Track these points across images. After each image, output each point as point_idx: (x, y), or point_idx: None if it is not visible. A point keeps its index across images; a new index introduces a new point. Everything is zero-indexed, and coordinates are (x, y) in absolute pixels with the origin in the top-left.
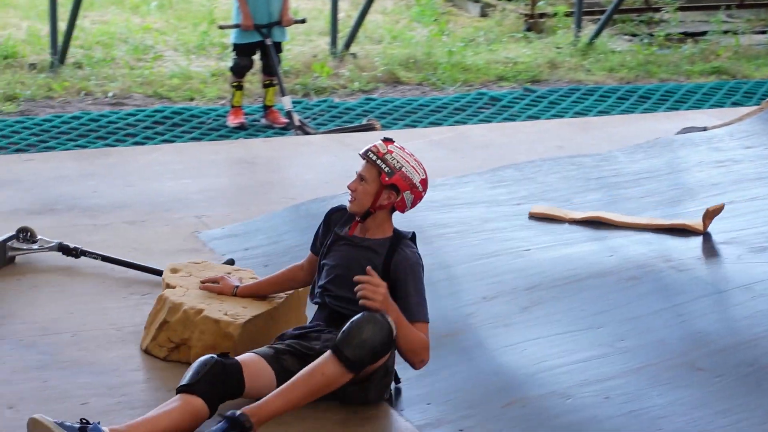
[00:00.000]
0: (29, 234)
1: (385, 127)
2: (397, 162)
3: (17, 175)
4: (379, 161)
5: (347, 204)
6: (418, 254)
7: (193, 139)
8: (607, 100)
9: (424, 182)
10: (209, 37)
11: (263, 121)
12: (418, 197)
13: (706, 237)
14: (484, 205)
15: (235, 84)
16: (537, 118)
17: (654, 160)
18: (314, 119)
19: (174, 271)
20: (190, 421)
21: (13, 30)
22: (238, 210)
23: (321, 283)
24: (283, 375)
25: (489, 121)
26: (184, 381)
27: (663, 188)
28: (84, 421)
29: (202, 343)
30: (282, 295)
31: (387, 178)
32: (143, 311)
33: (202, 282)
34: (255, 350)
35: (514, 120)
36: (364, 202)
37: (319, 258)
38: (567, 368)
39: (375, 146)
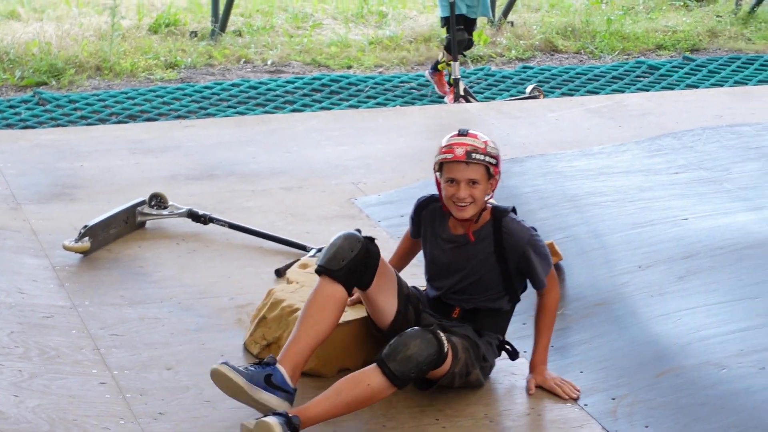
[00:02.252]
0: (160, 200)
1: None
2: (493, 148)
3: (177, 141)
4: (487, 158)
5: (439, 201)
6: (523, 222)
7: (351, 106)
8: None
9: None
10: (368, 5)
11: (427, 74)
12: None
13: None
14: (642, 174)
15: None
16: (696, 87)
17: None
18: (470, 87)
19: (304, 266)
20: (339, 315)
21: None
22: (394, 177)
23: (435, 281)
24: (400, 318)
25: (647, 90)
26: (324, 262)
27: None
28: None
29: None
30: None
31: (497, 169)
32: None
33: None
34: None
35: (672, 89)
36: (480, 204)
37: (424, 251)
38: (722, 338)
39: (472, 146)
